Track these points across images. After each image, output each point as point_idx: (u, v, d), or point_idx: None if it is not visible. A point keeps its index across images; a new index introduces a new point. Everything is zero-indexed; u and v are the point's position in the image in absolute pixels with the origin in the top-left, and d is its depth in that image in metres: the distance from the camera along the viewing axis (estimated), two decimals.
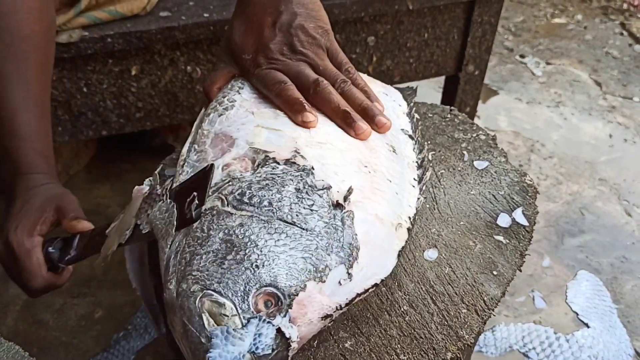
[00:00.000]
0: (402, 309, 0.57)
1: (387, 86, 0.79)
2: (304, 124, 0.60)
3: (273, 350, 0.44)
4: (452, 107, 0.86)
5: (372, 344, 0.55)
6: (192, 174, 0.55)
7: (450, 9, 1.26)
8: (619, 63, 2.10)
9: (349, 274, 0.50)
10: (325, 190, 0.54)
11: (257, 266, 0.47)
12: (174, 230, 0.50)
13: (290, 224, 0.50)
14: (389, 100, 0.74)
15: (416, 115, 0.74)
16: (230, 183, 0.53)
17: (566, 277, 1.28)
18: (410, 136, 0.70)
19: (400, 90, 0.81)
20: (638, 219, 1.44)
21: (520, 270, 0.64)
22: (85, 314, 1.18)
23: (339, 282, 0.50)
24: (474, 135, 0.81)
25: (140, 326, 1.15)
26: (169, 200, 0.53)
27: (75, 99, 1.06)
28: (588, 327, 1.17)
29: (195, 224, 0.50)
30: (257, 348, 0.44)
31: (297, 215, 0.51)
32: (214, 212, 0.51)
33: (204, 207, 0.48)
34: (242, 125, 0.60)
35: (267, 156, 0.55)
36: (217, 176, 0.54)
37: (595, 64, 2.10)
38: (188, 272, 0.47)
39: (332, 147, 0.60)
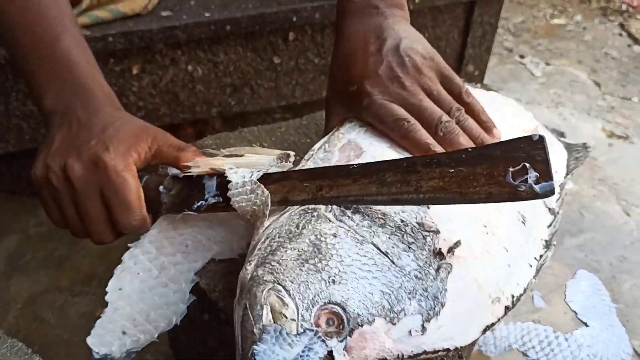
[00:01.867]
0: None
1: (553, 139, 0.68)
2: None
3: None
4: None
5: None
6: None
7: (450, 9, 1.27)
8: (618, 63, 2.11)
9: (423, 327, 0.48)
10: (431, 233, 0.51)
11: (333, 281, 0.46)
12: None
13: (383, 253, 0.48)
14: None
15: (568, 186, 0.68)
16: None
17: (565, 276, 1.29)
18: (551, 210, 0.65)
19: (569, 146, 0.73)
20: (637, 218, 1.44)
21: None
22: (86, 312, 1.18)
23: (410, 332, 0.47)
24: None
25: None
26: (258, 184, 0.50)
27: None
28: (587, 326, 1.18)
29: (294, 217, 0.49)
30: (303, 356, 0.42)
31: (392, 247, 0.49)
32: (315, 213, 0.50)
33: (310, 206, 0.49)
34: (376, 143, 0.59)
35: None
36: None
37: (594, 64, 2.10)
38: (268, 261, 0.47)
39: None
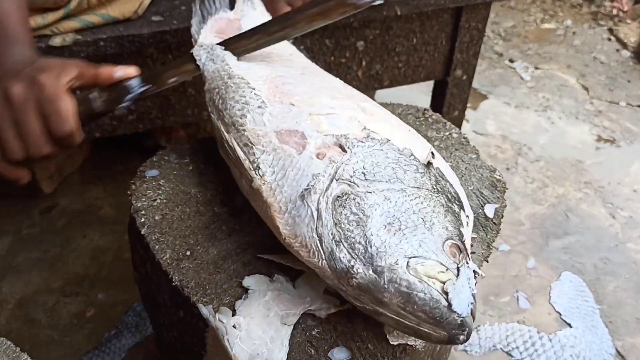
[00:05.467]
0: None
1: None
2: None
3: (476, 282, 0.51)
4: (427, 108, 0.88)
5: (338, 332, 0.57)
6: (277, 165, 0.59)
7: (438, 15, 1.29)
8: (606, 68, 2.13)
9: (467, 215, 0.57)
10: (412, 155, 0.58)
11: (429, 228, 0.52)
12: (313, 216, 0.54)
13: (418, 187, 0.55)
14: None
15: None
16: (341, 168, 0.56)
17: (550, 278, 1.31)
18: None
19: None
20: (622, 221, 1.47)
21: (487, 261, 0.66)
22: (77, 312, 1.20)
23: (467, 224, 0.56)
24: (447, 133, 0.84)
25: (131, 325, 1.17)
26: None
27: None
28: (570, 326, 1.20)
29: (341, 211, 0.53)
30: (471, 287, 0.50)
31: (415, 180, 0.55)
32: (352, 195, 0.53)
33: (335, 195, 0.54)
34: (297, 118, 0.62)
35: (348, 138, 0.59)
36: (318, 165, 0.57)
37: (583, 69, 2.13)
38: (375, 252, 0.50)
39: (380, 117, 0.65)
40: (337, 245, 0.51)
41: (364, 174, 0.55)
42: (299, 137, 0.60)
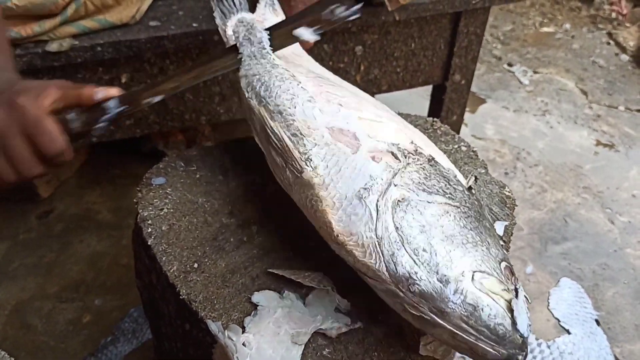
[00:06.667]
0: (379, 318, 0.59)
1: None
2: None
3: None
4: (435, 119, 0.87)
5: (349, 352, 0.56)
6: (328, 157, 0.59)
7: (436, 20, 1.28)
8: (605, 72, 2.13)
9: (504, 241, 0.60)
10: (456, 176, 0.58)
11: (488, 248, 0.52)
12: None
13: (469, 207, 0.55)
14: None
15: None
16: (398, 174, 0.56)
17: (549, 284, 1.31)
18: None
19: None
20: (620, 226, 1.46)
21: None
22: (73, 318, 1.19)
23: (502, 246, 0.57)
24: (456, 146, 0.83)
25: (128, 331, 1.16)
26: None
27: None
28: (569, 333, 1.20)
29: (402, 216, 0.52)
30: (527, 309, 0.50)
31: (465, 201, 0.55)
32: (412, 202, 0.53)
33: (394, 199, 0.53)
34: (347, 119, 0.62)
35: (399, 148, 0.58)
36: (375, 167, 0.56)
37: (581, 73, 2.13)
38: (440, 260, 0.50)
39: (420, 136, 0.65)
40: (398, 249, 0.50)
41: (422, 184, 0.54)
42: (352, 137, 0.59)
